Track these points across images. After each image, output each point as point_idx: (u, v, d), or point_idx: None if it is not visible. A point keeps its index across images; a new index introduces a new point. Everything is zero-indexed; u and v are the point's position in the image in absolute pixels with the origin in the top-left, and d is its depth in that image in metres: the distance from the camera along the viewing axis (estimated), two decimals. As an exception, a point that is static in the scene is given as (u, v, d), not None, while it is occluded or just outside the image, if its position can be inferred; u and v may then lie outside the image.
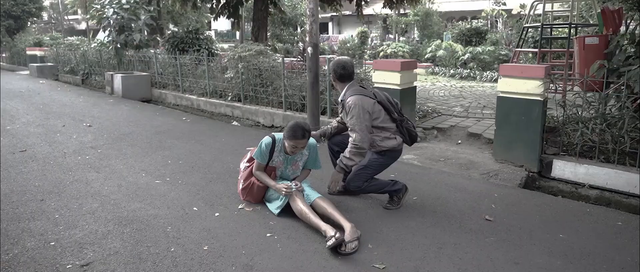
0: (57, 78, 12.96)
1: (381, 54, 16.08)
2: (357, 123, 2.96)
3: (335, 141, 3.44)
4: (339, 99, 3.22)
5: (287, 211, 3.03)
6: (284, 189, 2.95)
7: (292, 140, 2.92)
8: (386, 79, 5.05)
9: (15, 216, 3.01)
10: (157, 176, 3.92)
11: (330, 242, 2.51)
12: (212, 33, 21.79)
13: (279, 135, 3.14)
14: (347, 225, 2.65)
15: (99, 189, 3.56)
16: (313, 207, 2.90)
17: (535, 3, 9.24)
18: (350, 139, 3.03)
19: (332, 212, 2.80)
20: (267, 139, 3.08)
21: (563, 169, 3.96)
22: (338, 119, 3.44)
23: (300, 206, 2.86)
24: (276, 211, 3.03)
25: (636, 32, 4.63)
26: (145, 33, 10.41)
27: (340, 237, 2.52)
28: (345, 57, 3.42)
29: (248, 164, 3.29)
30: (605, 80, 3.99)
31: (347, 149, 3.02)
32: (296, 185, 2.99)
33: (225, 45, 15.69)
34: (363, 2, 10.67)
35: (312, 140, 3.14)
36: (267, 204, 3.16)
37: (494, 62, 12.37)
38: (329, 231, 2.60)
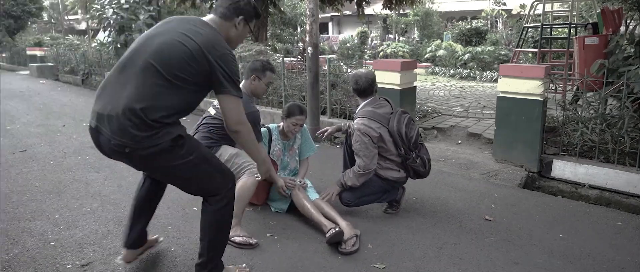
0: (57, 78, 12.96)
1: (381, 54, 16.09)
2: (361, 150, 2.82)
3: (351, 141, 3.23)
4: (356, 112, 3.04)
5: (288, 210, 3.05)
6: (289, 182, 2.98)
7: (291, 117, 3.06)
8: (386, 79, 5.04)
9: (15, 216, 3.01)
10: (157, 175, 3.92)
11: (329, 234, 2.57)
12: (212, 33, 21.74)
13: (272, 125, 3.28)
14: (343, 224, 2.70)
15: (99, 189, 3.56)
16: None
17: (535, 3, 9.25)
18: (356, 162, 2.89)
19: (329, 212, 2.84)
20: (262, 130, 3.17)
21: (563, 169, 3.96)
22: None
23: (302, 201, 2.89)
24: (284, 207, 3.09)
25: (636, 32, 4.63)
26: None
27: (340, 230, 2.59)
28: (363, 70, 3.22)
29: None
30: (605, 80, 3.99)
31: (352, 171, 2.89)
32: (300, 181, 3.03)
33: (225, 45, 15.67)
34: (363, 2, 10.67)
35: None
36: (272, 204, 3.17)
37: (494, 62, 12.38)
38: (328, 225, 2.67)
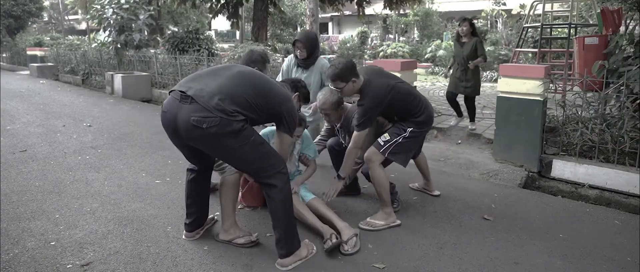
0: (57, 78, 12.96)
1: (381, 54, 16.09)
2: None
3: (332, 141, 3.38)
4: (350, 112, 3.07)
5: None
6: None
7: None
8: (386, 79, 5.04)
9: (15, 216, 3.01)
10: (157, 176, 3.92)
11: (327, 245, 2.52)
12: (212, 33, 21.79)
13: (268, 129, 3.20)
14: (340, 225, 2.68)
15: (99, 189, 3.56)
16: (308, 207, 2.91)
17: (535, 3, 9.24)
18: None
19: (325, 213, 2.82)
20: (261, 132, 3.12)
21: (563, 169, 3.96)
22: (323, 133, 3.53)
23: (296, 206, 2.85)
24: None
25: (635, 32, 4.64)
26: (145, 33, 10.41)
27: (338, 240, 2.54)
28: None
29: None
30: (604, 80, 3.99)
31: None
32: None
33: (225, 45, 15.68)
34: (364, 2, 10.68)
35: None
36: None
37: (494, 62, 12.38)
38: (326, 233, 2.61)
